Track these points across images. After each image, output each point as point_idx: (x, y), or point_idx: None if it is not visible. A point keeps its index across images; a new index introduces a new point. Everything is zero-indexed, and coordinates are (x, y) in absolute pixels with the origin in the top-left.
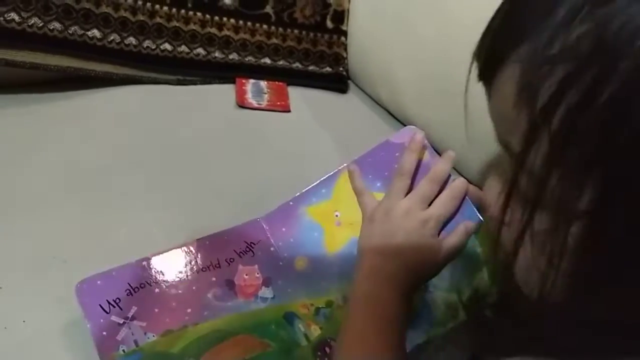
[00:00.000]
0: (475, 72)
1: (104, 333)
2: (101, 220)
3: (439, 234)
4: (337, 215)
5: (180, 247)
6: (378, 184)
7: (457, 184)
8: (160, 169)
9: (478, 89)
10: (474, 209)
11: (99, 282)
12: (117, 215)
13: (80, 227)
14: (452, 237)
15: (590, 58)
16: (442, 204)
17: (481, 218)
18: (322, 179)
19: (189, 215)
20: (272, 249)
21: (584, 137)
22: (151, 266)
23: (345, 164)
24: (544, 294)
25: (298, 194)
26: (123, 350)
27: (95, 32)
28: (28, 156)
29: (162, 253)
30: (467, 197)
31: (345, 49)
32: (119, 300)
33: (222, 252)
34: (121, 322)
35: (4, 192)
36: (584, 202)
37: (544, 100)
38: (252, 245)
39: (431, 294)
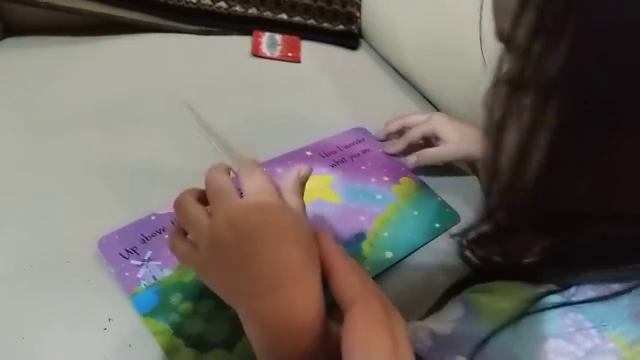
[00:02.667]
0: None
1: (127, 274)
2: (119, 145)
3: None
4: None
5: None
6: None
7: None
8: (175, 105)
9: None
10: None
11: (116, 237)
12: (134, 141)
13: (101, 150)
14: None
15: None
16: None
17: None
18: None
19: (194, 147)
20: None
21: None
22: (158, 219)
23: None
24: (521, 175)
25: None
26: (144, 285)
27: None
28: (60, 89)
29: (166, 208)
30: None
31: (359, 9)
32: (136, 247)
33: None
34: (140, 264)
35: (39, 116)
36: (557, 67)
37: None
38: None
39: None
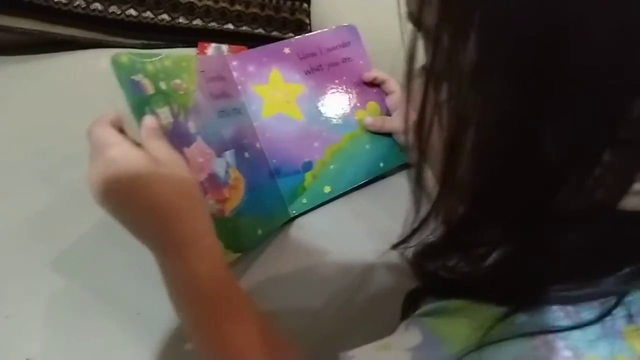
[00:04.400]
0: None
1: None
2: (63, 165)
3: None
4: None
5: None
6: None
7: None
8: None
9: None
10: None
11: None
12: (78, 158)
13: (45, 171)
14: None
15: None
16: None
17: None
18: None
19: None
20: None
21: None
22: None
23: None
24: (452, 177)
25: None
26: None
27: None
28: None
29: None
30: None
31: (308, 15)
32: None
33: None
34: None
35: None
36: (469, 57)
37: None
38: None
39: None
